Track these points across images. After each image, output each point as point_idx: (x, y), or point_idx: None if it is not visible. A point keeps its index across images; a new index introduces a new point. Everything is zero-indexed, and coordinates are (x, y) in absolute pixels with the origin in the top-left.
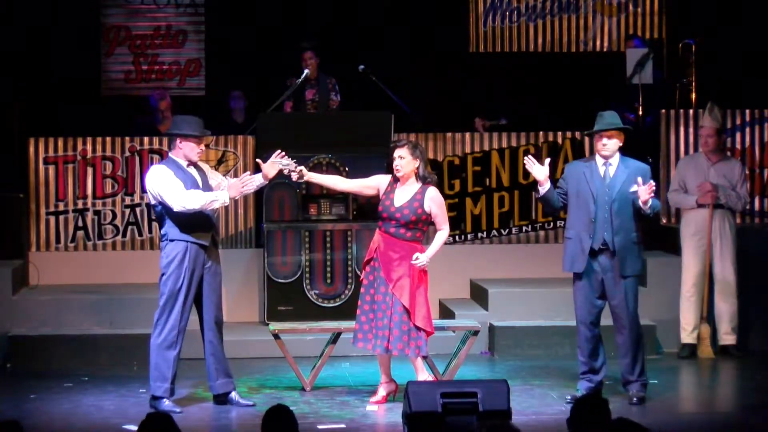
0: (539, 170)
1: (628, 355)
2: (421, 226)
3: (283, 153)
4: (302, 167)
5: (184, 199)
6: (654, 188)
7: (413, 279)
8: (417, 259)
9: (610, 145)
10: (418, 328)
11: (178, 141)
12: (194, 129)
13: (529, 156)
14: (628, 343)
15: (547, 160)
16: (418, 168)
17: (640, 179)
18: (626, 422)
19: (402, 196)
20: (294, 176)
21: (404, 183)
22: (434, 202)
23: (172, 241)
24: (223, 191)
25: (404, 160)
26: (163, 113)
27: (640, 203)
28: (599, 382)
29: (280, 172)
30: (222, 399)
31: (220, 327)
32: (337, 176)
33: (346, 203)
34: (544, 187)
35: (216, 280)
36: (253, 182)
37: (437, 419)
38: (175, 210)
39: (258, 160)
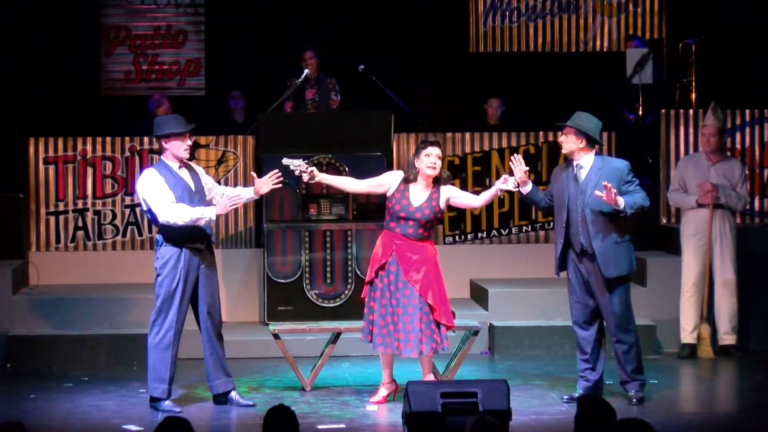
0: (518, 172)
1: (618, 355)
2: (436, 224)
3: (279, 174)
4: (313, 168)
5: (169, 214)
6: (610, 188)
7: (434, 278)
8: (505, 180)
9: (565, 144)
10: (438, 326)
11: (163, 143)
12: (174, 126)
13: (517, 156)
14: (615, 344)
15: (526, 168)
16: (441, 170)
17: (599, 190)
18: (637, 422)
19: (419, 196)
20: (305, 177)
21: (419, 183)
22: (451, 192)
23: (166, 244)
24: (210, 208)
25: (440, 159)
26: None
27: (613, 206)
28: (597, 380)
29: (272, 190)
30: (222, 399)
31: (218, 327)
32: (349, 178)
33: (346, 203)
34: (525, 188)
35: (212, 280)
36: (240, 199)
37: (437, 419)
38: (161, 220)
39: (253, 173)
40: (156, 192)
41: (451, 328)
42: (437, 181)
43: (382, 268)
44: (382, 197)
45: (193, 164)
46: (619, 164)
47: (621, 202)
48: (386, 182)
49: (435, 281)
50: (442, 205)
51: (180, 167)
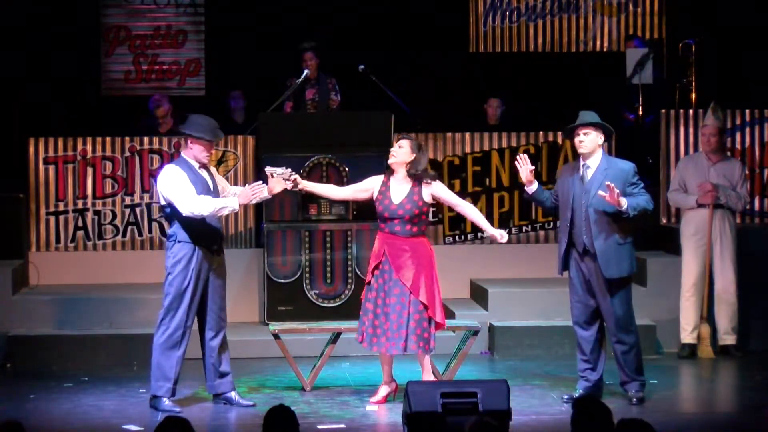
0: (524, 171)
1: (618, 356)
2: (424, 219)
3: (290, 169)
4: (297, 176)
5: (193, 205)
6: (613, 188)
7: (427, 275)
8: (502, 236)
9: (587, 141)
10: (431, 324)
11: (189, 141)
12: (206, 132)
13: (523, 155)
14: (616, 345)
15: (532, 167)
16: (410, 163)
17: (603, 190)
18: (637, 422)
19: (399, 192)
20: (289, 185)
21: (397, 180)
22: (436, 189)
23: (179, 242)
24: (233, 198)
25: (402, 149)
26: (160, 119)
27: (615, 207)
28: (597, 380)
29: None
30: (221, 399)
31: (223, 329)
32: (331, 185)
33: (346, 203)
34: (530, 187)
35: (220, 282)
36: (261, 189)
37: (437, 419)
38: (184, 215)
39: (267, 169)
40: (179, 185)
41: (441, 327)
42: (415, 177)
43: (377, 268)
44: None
45: (207, 165)
46: (625, 166)
47: (624, 203)
48: (369, 187)
49: (428, 279)
50: (426, 198)
51: (200, 167)
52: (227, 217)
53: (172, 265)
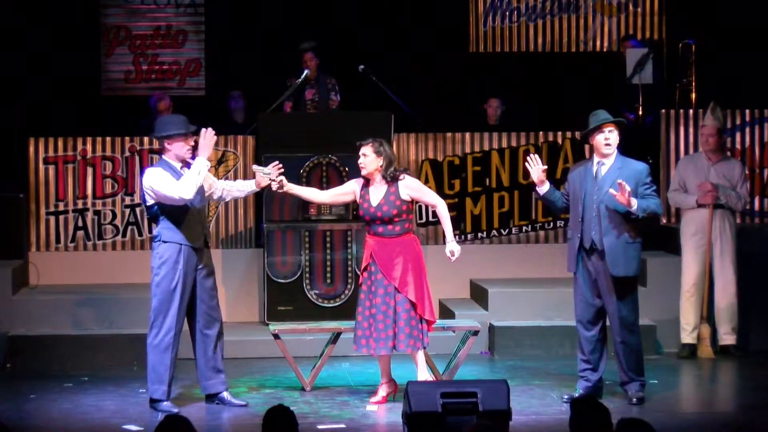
0: (536, 171)
1: (619, 356)
2: (405, 217)
3: (280, 165)
4: (282, 177)
5: (179, 187)
6: (625, 187)
7: (415, 273)
8: (452, 254)
9: (613, 139)
10: (422, 321)
11: (166, 143)
12: (177, 128)
13: (534, 156)
14: (618, 345)
15: (544, 167)
16: (382, 167)
17: (619, 184)
18: (637, 422)
19: (376, 194)
20: (274, 186)
21: (373, 182)
22: (409, 187)
23: (165, 242)
24: (198, 159)
25: (368, 158)
26: (161, 115)
27: (625, 206)
28: (597, 380)
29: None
30: (214, 399)
31: (215, 327)
32: (314, 189)
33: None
34: (542, 188)
35: (209, 280)
36: (213, 136)
37: (437, 419)
38: (176, 198)
39: (254, 166)
40: (161, 179)
41: (432, 323)
42: (388, 178)
43: (365, 270)
44: None
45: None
46: (639, 166)
47: (634, 203)
48: (350, 190)
49: (416, 276)
50: (404, 196)
51: (182, 167)
52: (227, 217)
53: (159, 266)
